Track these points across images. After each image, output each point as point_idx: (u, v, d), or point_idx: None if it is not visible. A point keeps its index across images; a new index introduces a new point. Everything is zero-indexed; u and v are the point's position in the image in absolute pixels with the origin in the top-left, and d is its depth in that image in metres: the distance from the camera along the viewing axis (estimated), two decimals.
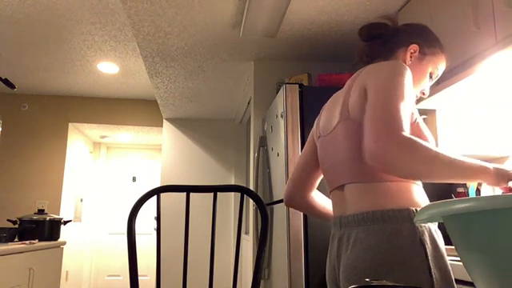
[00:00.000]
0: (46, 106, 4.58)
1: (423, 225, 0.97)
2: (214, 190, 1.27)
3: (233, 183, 4.66)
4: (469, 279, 1.20)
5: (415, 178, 0.91)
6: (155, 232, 4.90)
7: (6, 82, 2.53)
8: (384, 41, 1.20)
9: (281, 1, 2.14)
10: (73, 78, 4.06)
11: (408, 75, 1.01)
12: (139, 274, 5.68)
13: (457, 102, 1.86)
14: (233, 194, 4.69)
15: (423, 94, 1.21)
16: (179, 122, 4.70)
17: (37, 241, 2.65)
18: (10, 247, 2.20)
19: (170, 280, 4.35)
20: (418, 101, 1.83)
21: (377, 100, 0.96)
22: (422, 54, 1.16)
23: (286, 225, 2.06)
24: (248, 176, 4.34)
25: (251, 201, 3.29)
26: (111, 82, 4.16)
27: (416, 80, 1.16)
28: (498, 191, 1.81)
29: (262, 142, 2.74)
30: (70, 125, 4.65)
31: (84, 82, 4.17)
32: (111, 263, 5.67)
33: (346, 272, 1.00)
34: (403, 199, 0.99)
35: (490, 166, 0.94)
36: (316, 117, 1.98)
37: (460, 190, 1.96)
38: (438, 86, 1.73)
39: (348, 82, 1.15)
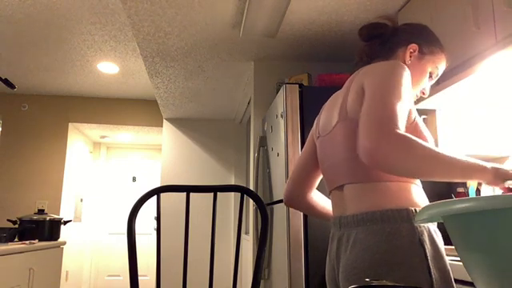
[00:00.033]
0: (45, 106, 4.58)
1: (422, 225, 0.97)
2: (214, 190, 1.27)
3: (233, 183, 4.66)
4: (469, 279, 1.20)
5: (411, 175, 0.90)
6: (155, 232, 4.89)
7: (6, 81, 2.53)
8: (384, 41, 1.20)
9: (281, 1, 2.14)
10: (73, 78, 4.06)
11: (406, 75, 1.01)
12: (139, 274, 5.68)
13: (457, 102, 1.86)
14: (233, 193, 4.69)
15: (423, 93, 1.21)
16: (179, 122, 4.70)
17: (37, 241, 2.65)
18: (10, 247, 2.20)
19: (170, 280, 4.35)
20: (418, 101, 1.83)
21: (373, 99, 0.96)
22: (422, 53, 1.16)
23: (286, 225, 2.06)
24: (248, 176, 4.34)
25: (251, 201, 3.29)
26: (111, 82, 4.16)
27: (415, 80, 1.16)
28: (498, 191, 1.81)
29: (262, 142, 2.74)
30: (70, 125, 4.65)
31: (84, 82, 4.17)
32: (111, 263, 5.67)
33: (345, 272, 1.00)
34: (402, 199, 0.99)
35: (489, 165, 0.94)
36: (316, 117, 1.98)
37: (460, 189, 1.96)
38: (438, 86, 1.73)
39: (347, 82, 1.16)
